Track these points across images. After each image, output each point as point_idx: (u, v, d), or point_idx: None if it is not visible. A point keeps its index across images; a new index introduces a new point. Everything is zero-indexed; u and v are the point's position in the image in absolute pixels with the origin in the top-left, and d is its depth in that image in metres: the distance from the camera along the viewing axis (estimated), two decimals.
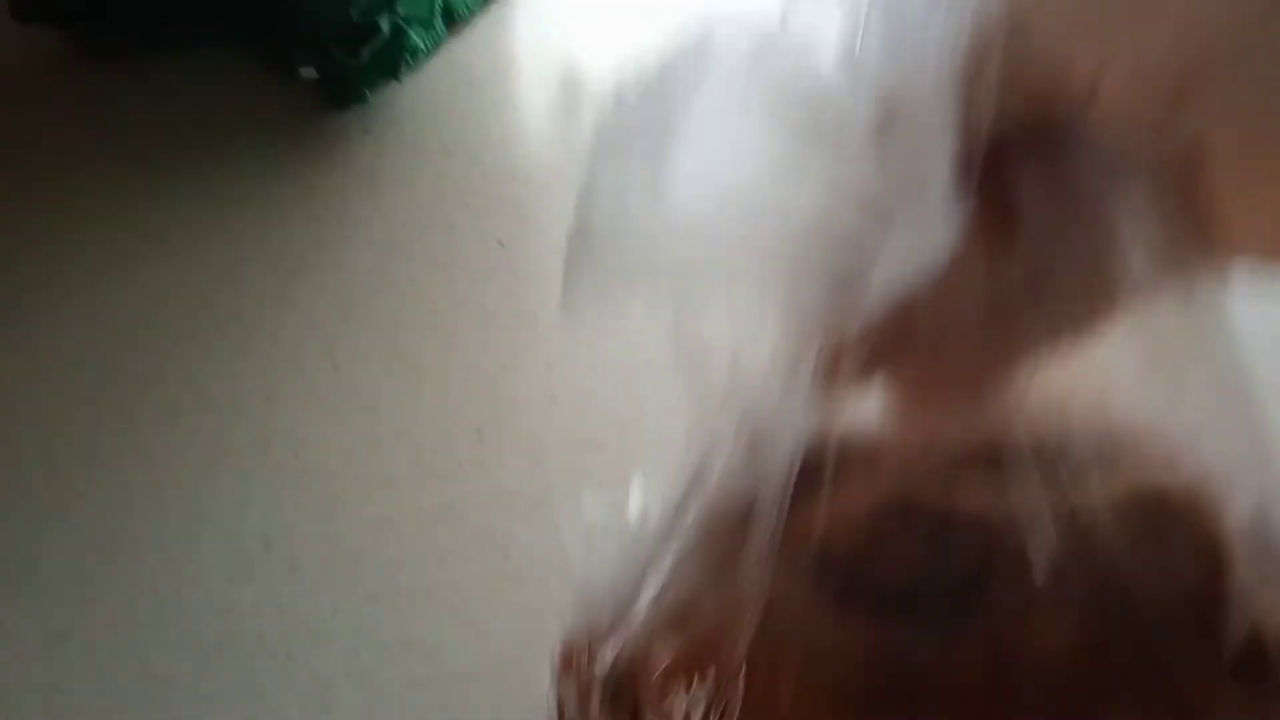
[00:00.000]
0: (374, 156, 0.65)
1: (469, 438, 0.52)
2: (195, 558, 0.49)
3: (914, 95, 0.23)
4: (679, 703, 0.27)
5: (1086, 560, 0.25)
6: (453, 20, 0.71)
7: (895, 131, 0.23)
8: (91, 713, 0.45)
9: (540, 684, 0.32)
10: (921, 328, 0.25)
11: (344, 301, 0.58)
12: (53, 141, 0.68)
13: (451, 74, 0.70)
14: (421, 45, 0.68)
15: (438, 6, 0.69)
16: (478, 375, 0.54)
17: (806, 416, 0.26)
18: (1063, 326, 0.25)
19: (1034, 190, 0.24)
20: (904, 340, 0.25)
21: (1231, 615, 0.25)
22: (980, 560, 0.26)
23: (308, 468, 0.51)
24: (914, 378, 0.27)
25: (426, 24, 0.69)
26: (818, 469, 0.27)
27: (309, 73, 0.69)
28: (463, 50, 0.71)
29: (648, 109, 0.25)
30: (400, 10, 0.67)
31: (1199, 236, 0.24)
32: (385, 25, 0.66)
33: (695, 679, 0.27)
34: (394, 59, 0.67)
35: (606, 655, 0.29)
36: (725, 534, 0.28)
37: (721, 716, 0.26)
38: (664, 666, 0.28)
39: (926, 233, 0.23)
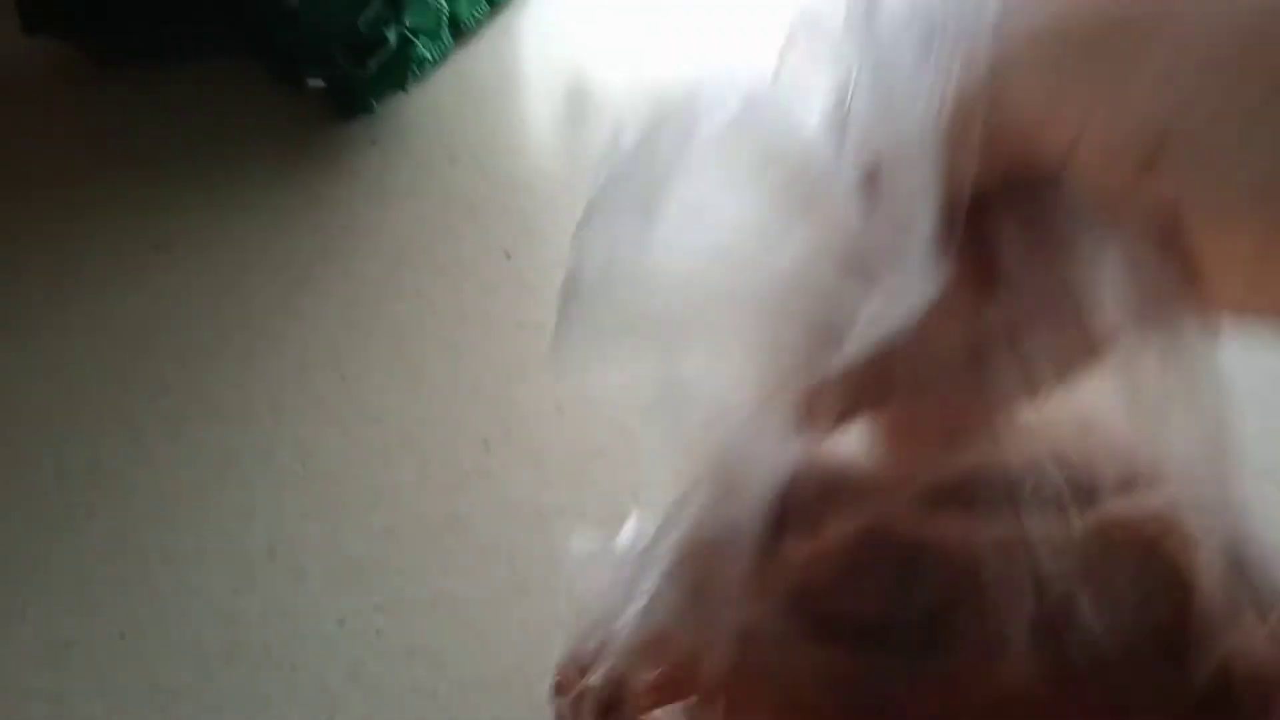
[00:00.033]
0: (380, 167, 0.65)
1: (475, 448, 0.52)
2: (200, 566, 0.49)
3: (899, 151, 0.23)
4: None
5: (1054, 594, 0.26)
6: (459, 31, 0.72)
7: (880, 186, 0.24)
8: None
9: (544, 694, 0.33)
10: (901, 374, 0.26)
11: (350, 311, 0.58)
12: (60, 151, 0.68)
13: (458, 85, 0.70)
14: (428, 56, 0.68)
15: (444, 17, 0.69)
16: (484, 386, 0.54)
17: (783, 454, 0.27)
18: (1041, 375, 0.26)
19: (1013, 243, 0.25)
20: (884, 386, 0.26)
21: (1198, 652, 0.25)
22: (949, 594, 0.27)
23: (313, 477, 0.51)
24: (893, 422, 0.28)
25: (433, 35, 0.69)
26: (795, 503, 0.28)
27: (316, 83, 0.69)
28: (469, 61, 0.72)
29: (637, 167, 0.26)
30: (407, 21, 0.67)
31: (1180, 289, 0.24)
32: (392, 36, 0.66)
33: (674, 704, 0.28)
34: (401, 70, 0.67)
35: (595, 676, 0.30)
36: (703, 564, 0.29)
37: None
38: (644, 691, 0.29)
39: (908, 284, 0.23)
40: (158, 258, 0.61)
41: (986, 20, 0.22)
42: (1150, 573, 0.26)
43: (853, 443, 0.29)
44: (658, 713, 0.29)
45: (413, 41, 0.67)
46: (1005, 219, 0.25)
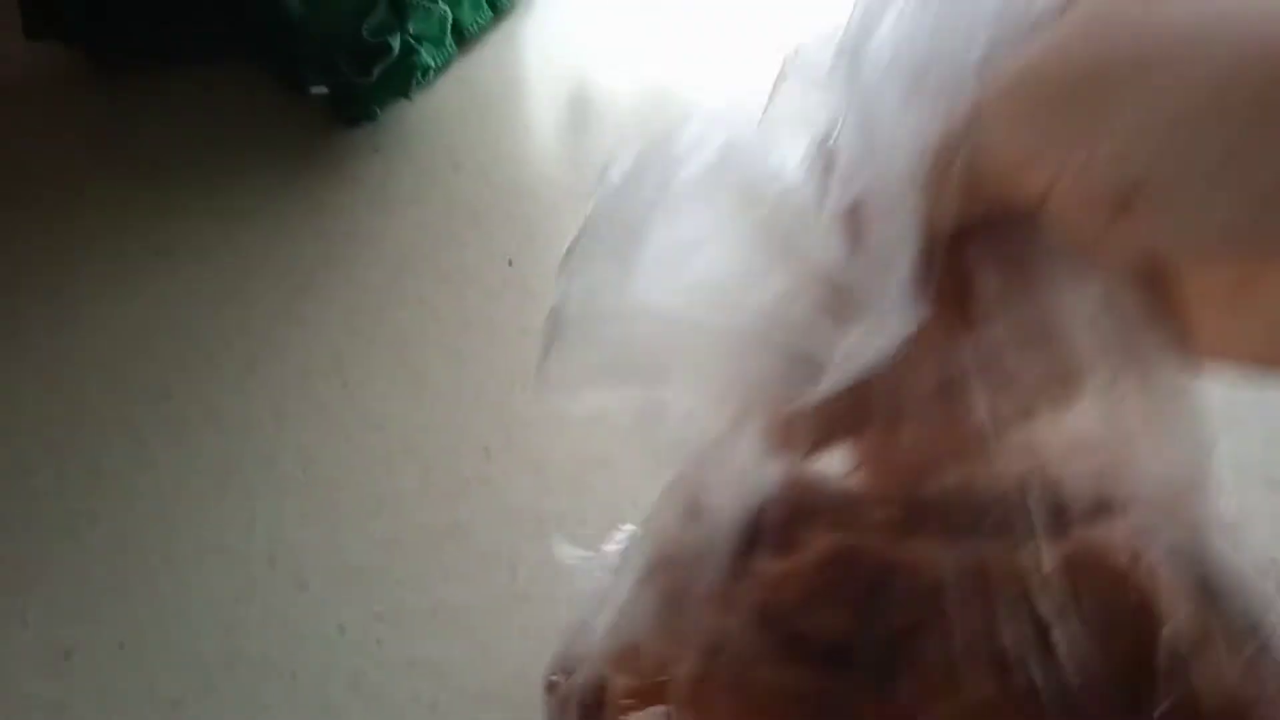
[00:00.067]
0: (384, 173, 0.65)
1: (477, 456, 0.52)
2: (201, 574, 0.49)
3: (881, 191, 0.24)
4: None
5: (1021, 620, 0.26)
6: (462, 38, 0.72)
7: (861, 224, 0.25)
8: None
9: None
10: (878, 404, 0.27)
11: (353, 318, 0.58)
12: (62, 155, 0.68)
13: (461, 92, 0.70)
14: (432, 63, 0.69)
15: (448, 24, 0.69)
16: (486, 393, 0.54)
17: (756, 477, 0.28)
18: (1015, 407, 0.26)
19: (991, 280, 0.26)
20: (860, 416, 0.27)
21: (1166, 682, 0.25)
22: (915, 617, 0.27)
23: (315, 484, 0.51)
24: (869, 451, 0.29)
25: (437, 42, 0.69)
26: (771, 522, 0.29)
27: (319, 89, 0.69)
28: (472, 68, 0.72)
29: (620, 205, 0.27)
30: (411, 28, 0.67)
31: (1156, 324, 0.25)
32: (396, 43, 0.66)
33: (651, 709, 0.29)
34: (404, 77, 0.67)
35: (575, 680, 0.32)
36: (674, 579, 0.30)
37: None
38: (622, 695, 0.30)
39: (887, 319, 0.24)
40: (159, 263, 0.61)
41: (968, 68, 0.24)
42: (1118, 602, 0.26)
43: (833, 464, 0.30)
44: (638, 716, 0.30)
45: (416, 49, 0.67)
46: (983, 256, 0.26)
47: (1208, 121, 0.20)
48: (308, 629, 0.47)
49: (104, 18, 0.69)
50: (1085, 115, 0.21)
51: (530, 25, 0.74)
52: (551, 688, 0.34)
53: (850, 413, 0.27)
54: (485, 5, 0.73)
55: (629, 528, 0.35)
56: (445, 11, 0.69)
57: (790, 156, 0.27)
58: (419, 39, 0.68)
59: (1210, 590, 0.27)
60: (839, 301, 0.25)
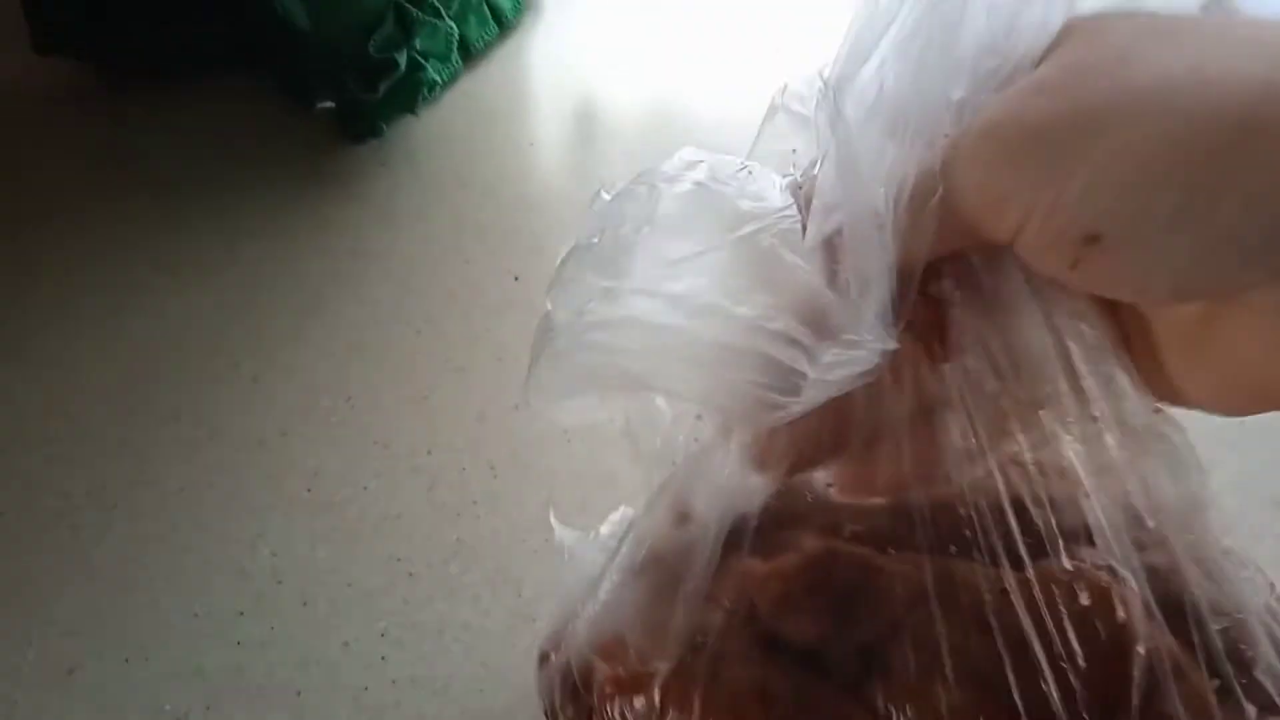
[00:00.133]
0: (389, 190, 0.65)
1: (483, 473, 0.52)
2: (206, 591, 0.49)
3: (860, 222, 0.25)
4: (616, 713, 0.31)
5: (995, 637, 0.27)
6: (468, 54, 0.72)
7: (839, 252, 0.26)
8: None
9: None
10: (856, 427, 0.28)
11: (359, 334, 0.58)
12: (69, 172, 0.68)
13: (467, 107, 0.70)
14: (438, 79, 0.69)
15: (454, 41, 0.70)
16: (492, 410, 0.54)
17: (742, 484, 0.30)
18: (991, 432, 0.28)
19: (964, 306, 0.27)
20: (840, 437, 0.29)
21: (1142, 703, 0.26)
22: (889, 626, 0.28)
23: (320, 502, 0.51)
24: (849, 471, 0.30)
25: (443, 58, 0.69)
26: (759, 526, 0.30)
27: (326, 106, 0.69)
28: (478, 84, 0.72)
29: (609, 225, 0.28)
30: (418, 45, 0.67)
31: (1123, 354, 0.27)
32: (403, 60, 0.66)
33: (629, 698, 0.31)
34: (411, 93, 0.68)
35: (561, 660, 0.33)
36: (663, 576, 0.31)
37: None
38: (605, 681, 0.31)
39: (866, 340, 0.25)
40: (165, 280, 0.61)
41: (947, 110, 0.25)
42: (1094, 623, 0.27)
43: (824, 475, 0.31)
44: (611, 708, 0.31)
45: (423, 65, 0.67)
46: (957, 285, 0.27)
47: (1164, 175, 0.22)
48: (313, 646, 0.47)
49: (112, 33, 0.70)
50: (1054, 161, 0.23)
51: (536, 42, 0.75)
52: (543, 660, 0.35)
53: (830, 434, 0.29)
54: (491, 22, 0.73)
55: (626, 511, 0.36)
56: (451, 28, 0.69)
57: (772, 185, 0.28)
58: (425, 55, 0.68)
59: (1189, 613, 0.27)
60: (817, 321, 0.27)
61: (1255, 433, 0.50)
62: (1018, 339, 0.27)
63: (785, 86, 0.30)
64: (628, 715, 0.30)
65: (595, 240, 0.28)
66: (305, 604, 0.48)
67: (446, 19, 0.69)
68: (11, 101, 0.72)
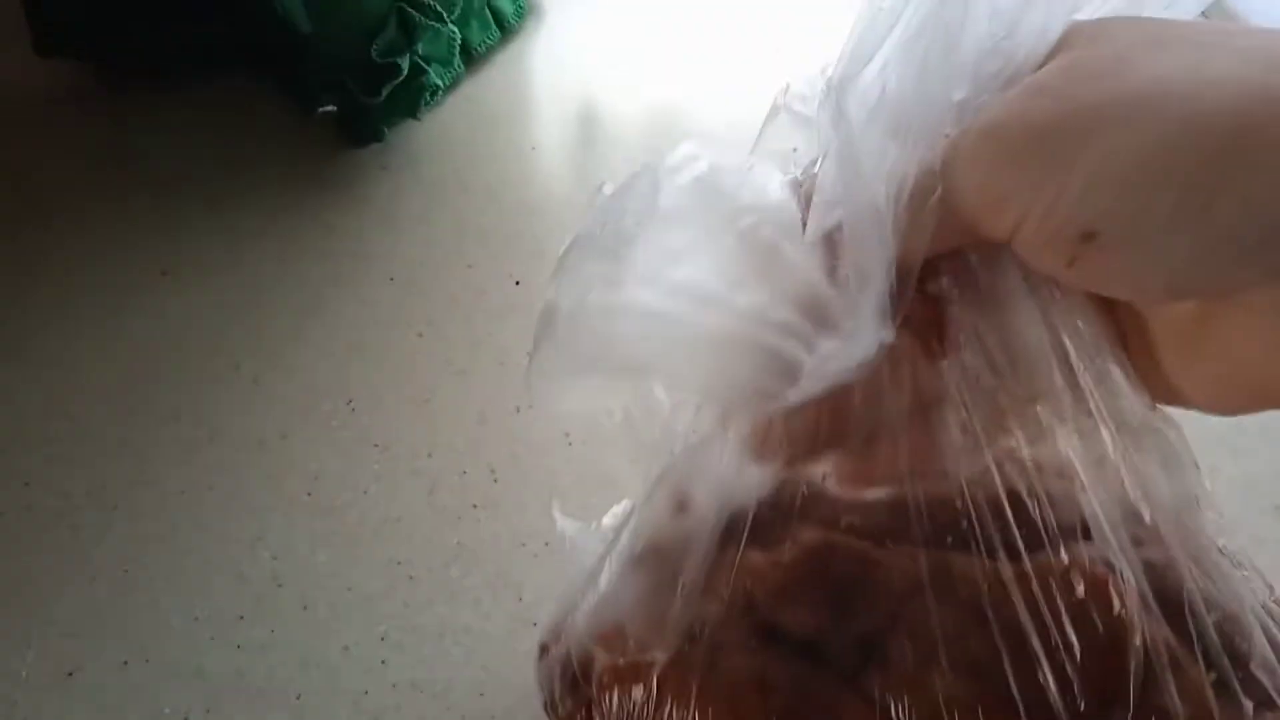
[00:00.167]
0: (391, 193, 0.65)
1: (483, 477, 0.52)
2: (206, 593, 0.49)
3: (860, 218, 0.26)
4: (614, 703, 0.31)
5: (992, 629, 0.27)
6: (470, 58, 0.72)
7: (839, 246, 0.27)
8: None
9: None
10: (855, 421, 0.29)
11: (360, 337, 0.58)
12: (70, 174, 0.68)
13: (469, 111, 0.70)
14: (440, 83, 0.69)
15: (456, 45, 0.70)
16: (493, 414, 0.54)
17: (741, 475, 0.30)
18: (989, 428, 0.28)
19: (962, 303, 0.28)
20: (839, 430, 0.29)
21: (1139, 697, 0.26)
22: (887, 618, 0.29)
23: (321, 505, 0.51)
24: (848, 465, 0.31)
25: (445, 62, 0.69)
26: (760, 517, 0.30)
27: (328, 110, 0.69)
28: (480, 88, 0.72)
29: (611, 215, 0.29)
30: (420, 49, 0.67)
31: (1119, 349, 0.27)
32: (405, 64, 0.66)
33: (627, 688, 0.31)
34: (413, 97, 0.68)
35: (560, 650, 0.34)
36: (662, 567, 0.31)
37: None
38: (604, 671, 0.32)
39: (863, 332, 0.26)
40: (166, 282, 0.61)
41: (948, 111, 0.26)
42: (1091, 615, 0.27)
43: (822, 468, 0.31)
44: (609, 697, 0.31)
45: (425, 69, 0.67)
46: (955, 280, 0.28)
47: (1162, 175, 0.22)
48: (313, 649, 0.47)
49: (113, 35, 0.70)
50: (1052, 162, 0.23)
51: (538, 46, 0.75)
52: (543, 651, 0.35)
53: (828, 427, 0.29)
54: (493, 26, 0.73)
55: (627, 503, 0.36)
56: (454, 32, 0.69)
57: (773, 180, 0.29)
58: (427, 59, 0.68)
59: (1186, 608, 0.27)
60: (816, 314, 0.27)
61: (1256, 438, 0.50)
62: (1015, 336, 0.28)
63: (788, 87, 0.30)
64: (626, 705, 0.31)
65: (598, 230, 0.29)
66: (305, 607, 0.48)
67: (449, 24, 0.69)
68: (11, 101, 0.72)
